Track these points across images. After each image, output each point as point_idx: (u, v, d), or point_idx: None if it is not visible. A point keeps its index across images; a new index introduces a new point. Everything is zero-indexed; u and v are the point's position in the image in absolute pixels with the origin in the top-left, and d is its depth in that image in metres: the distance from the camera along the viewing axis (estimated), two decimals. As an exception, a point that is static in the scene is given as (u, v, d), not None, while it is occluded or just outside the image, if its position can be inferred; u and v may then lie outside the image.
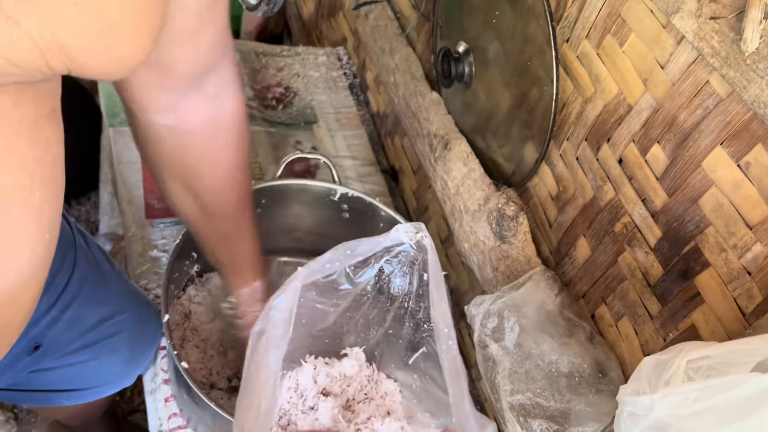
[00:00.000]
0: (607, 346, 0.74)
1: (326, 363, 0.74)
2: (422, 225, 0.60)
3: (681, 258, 0.64)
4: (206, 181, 0.72)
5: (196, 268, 0.95)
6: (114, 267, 0.93)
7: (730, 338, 0.59)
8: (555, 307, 0.76)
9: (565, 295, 0.78)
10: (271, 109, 1.32)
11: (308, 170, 1.24)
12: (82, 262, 0.85)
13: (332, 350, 0.77)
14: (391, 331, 0.76)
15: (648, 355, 0.69)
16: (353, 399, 0.72)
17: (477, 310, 0.76)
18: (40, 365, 0.86)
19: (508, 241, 0.84)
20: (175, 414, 0.92)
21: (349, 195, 0.96)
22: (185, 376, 0.75)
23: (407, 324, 0.74)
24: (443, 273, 0.87)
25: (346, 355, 0.77)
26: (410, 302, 0.72)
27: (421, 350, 0.73)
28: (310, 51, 1.46)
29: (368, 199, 0.95)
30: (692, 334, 0.63)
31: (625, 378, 0.72)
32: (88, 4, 0.38)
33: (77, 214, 1.74)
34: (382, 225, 0.95)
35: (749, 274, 0.57)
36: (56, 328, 0.83)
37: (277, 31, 1.84)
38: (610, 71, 0.71)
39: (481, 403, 1.04)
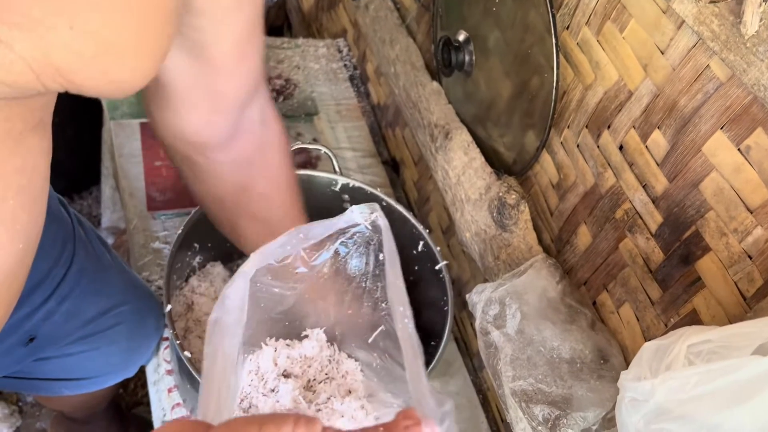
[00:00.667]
0: (609, 333, 0.74)
1: (287, 345, 0.75)
2: (376, 205, 0.60)
3: (682, 243, 0.64)
4: (271, 201, 0.73)
5: (198, 258, 0.95)
6: (114, 258, 0.93)
7: (731, 322, 0.59)
8: (556, 294, 0.76)
9: (566, 283, 0.78)
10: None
11: (309, 161, 1.24)
12: (81, 253, 0.84)
13: (293, 332, 0.77)
14: (350, 311, 0.77)
15: (649, 340, 0.70)
16: (314, 379, 0.72)
17: (478, 297, 0.76)
18: (39, 355, 0.86)
19: (510, 229, 0.84)
20: (178, 404, 0.92)
21: (351, 185, 0.96)
22: (188, 366, 0.75)
23: (366, 304, 0.75)
24: (445, 262, 0.88)
25: (307, 336, 0.77)
26: (368, 282, 0.73)
27: (380, 329, 0.73)
28: (310, 43, 1.46)
29: (369, 189, 0.95)
30: (693, 319, 0.63)
31: (627, 364, 0.72)
32: (84, 27, 0.37)
33: (79, 209, 1.75)
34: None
35: (750, 257, 0.57)
36: (52, 321, 0.82)
37: (277, 23, 1.84)
38: (611, 58, 0.71)
39: (483, 392, 1.04)
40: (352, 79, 1.42)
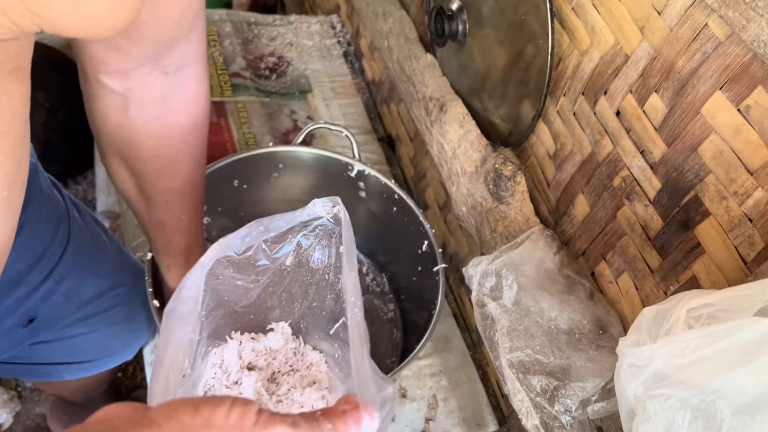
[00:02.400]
0: (608, 303, 0.73)
1: (252, 338, 0.74)
2: (338, 199, 0.59)
3: (681, 209, 0.63)
4: (148, 161, 0.67)
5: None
6: (111, 239, 0.92)
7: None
8: (554, 265, 0.75)
9: (564, 254, 0.77)
10: (264, 79, 1.30)
11: (304, 140, 1.22)
12: (77, 234, 0.83)
13: (258, 326, 0.76)
14: (314, 304, 0.76)
15: (648, 308, 0.69)
16: (279, 372, 0.72)
17: (475, 270, 0.75)
18: (38, 338, 0.85)
19: (506, 201, 0.83)
20: (175, 385, 0.92)
21: (366, 173, 0.93)
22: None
23: (329, 296, 0.74)
24: (443, 266, 0.85)
25: (272, 329, 0.77)
26: (330, 275, 0.73)
27: (341, 320, 0.72)
28: (303, 20, 1.44)
29: (384, 180, 0.92)
30: (693, 286, 0.62)
31: (626, 334, 0.71)
32: None
33: (74, 193, 1.73)
34: (395, 209, 0.93)
35: (750, 221, 0.56)
36: (52, 301, 0.82)
37: (270, 2, 1.81)
38: (606, 21, 0.69)
39: (482, 368, 1.04)
40: (346, 55, 1.40)
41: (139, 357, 1.00)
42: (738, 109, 0.56)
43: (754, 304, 0.47)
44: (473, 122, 0.89)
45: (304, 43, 1.39)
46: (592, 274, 0.77)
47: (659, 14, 0.62)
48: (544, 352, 0.66)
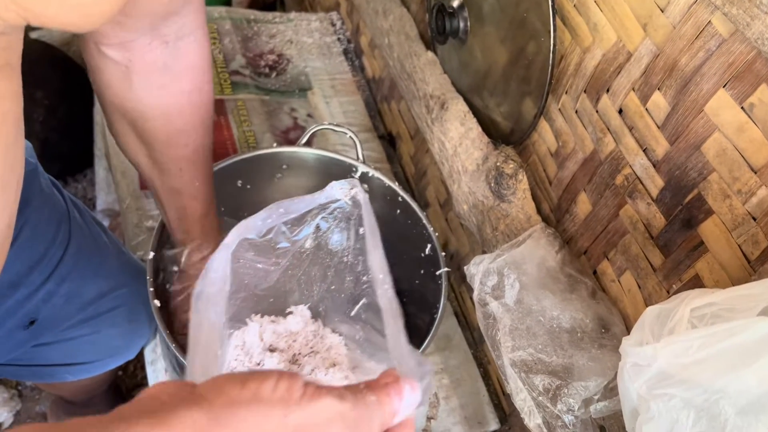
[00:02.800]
0: (610, 301, 0.73)
1: (272, 321, 0.74)
2: (356, 181, 0.60)
3: (684, 207, 0.62)
4: (156, 130, 0.68)
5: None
6: (111, 240, 0.92)
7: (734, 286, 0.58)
8: (556, 264, 0.75)
9: (566, 252, 0.77)
10: (264, 77, 1.29)
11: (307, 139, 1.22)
12: (78, 234, 0.83)
13: (278, 309, 0.77)
14: (333, 287, 0.77)
15: (651, 307, 0.68)
16: (299, 353, 0.72)
17: (476, 269, 0.74)
18: (40, 340, 0.85)
19: (508, 199, 0.83)
20: (176, 383, 0.91)
21: (370, 175, 0.92)
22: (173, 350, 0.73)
23: (348, 278, 0.74)
24: (446, 269, 0.85)
25: (291, 312, 0.76)
26: (349, 257, 0.73)
27: (362, 301, 0.73)
28: (303, 17, 1.43)
29: (387, 182, 0.91)
30: (696, 285, 0.62)
31: (629, 332, 0.71)
32: None
33: (74, 192, 1.73)
34: (398, 211, 0.92)
35: (754, 219, 0.56)
36: (53, 303, 0.81)
37: (269, 0, 1.81)
38: (609, 18, 0.69)
39: (484, 366, 1.04)
40: (346, 52, 1.40)
41: (139, 356, 1.00)
42: (742, 107, 0.55)
43: (758, 303, 0.47)
44: (474, 120, 0.89)
45: (303, 40, 1.39)
46: (594, 272, 0.77)
47: (662, 11, 0.62)
48: (546, 351, 0.66)
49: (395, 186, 0.90)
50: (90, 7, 0.40)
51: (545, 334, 0.67)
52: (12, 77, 0.45)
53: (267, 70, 1.31)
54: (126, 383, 1.41)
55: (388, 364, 0.65)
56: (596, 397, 0.66)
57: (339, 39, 1.42)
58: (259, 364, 0.68)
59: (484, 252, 0.87)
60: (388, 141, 1.29)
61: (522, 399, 0.64)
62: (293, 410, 0.34)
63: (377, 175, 0.92)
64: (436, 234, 0.88)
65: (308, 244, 0.70)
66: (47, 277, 0.79)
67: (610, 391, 0.67)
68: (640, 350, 0.48)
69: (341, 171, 0.93)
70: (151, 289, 0.75)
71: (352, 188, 0.61)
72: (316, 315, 0.77)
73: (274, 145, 0.94)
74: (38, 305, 0.80)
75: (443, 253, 0.86)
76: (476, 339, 1.06)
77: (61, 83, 1.56)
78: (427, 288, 0.88)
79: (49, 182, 0.81)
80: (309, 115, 1.26)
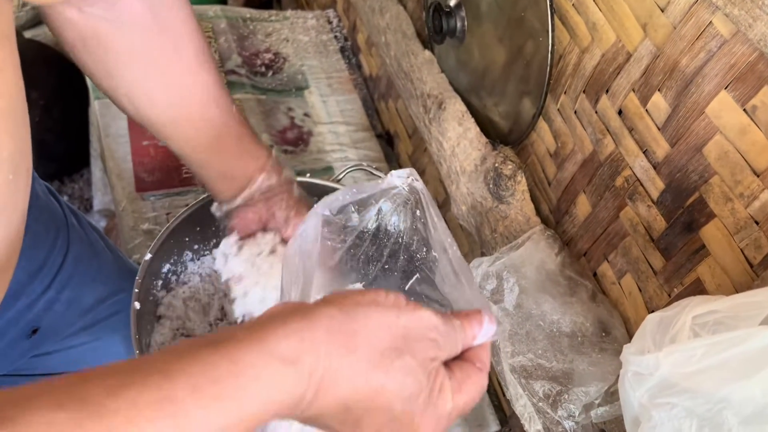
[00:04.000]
0: (610, 304, 0.72)
1: None
2: (413, 170, 0.66)
3: (685, 210, 0.62)
4: (161, 81, 0.66)
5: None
6: (109, 246, 0.91)
7: (737, 291, 0.57)
8: (555, 267, 0.74)
9: (565, 254, 0.76)
10: (260, 76, 1.28)
11: (301, 137, 1.21)
12: (76, 241, 0.82)
13: (338, 287, 0.77)
14: (386, 266, 0.78)
15: (652, 311, 0.67)
16: None
17: (475, 272, 0.74)
18: (41, 349, 0.84)
19: (506, 201, 0.82)
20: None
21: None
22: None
23: (402, 257, 0.78)
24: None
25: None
26: (404, 237, 0.76)
27: (415, 276, 0.75)
28: (299, 15, 1.42)
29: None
30: (698, 289, 0.61)
31: (629, 336, 0.70)
32: None
33: (70, 192, 1.72)
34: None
35: (757, 223, 0.55)
36: (54, 310, 0.81)
37: (265, -3, 1.80)
38: (608, 18, 0.68)
39: (483, 367, 1.03)
40: (342, 50, 1.39)
41: (138, 358, 0.99)
42: (744, 109, 0.54)
43: (760, 311, 0.46)
44: (472, 120, 0.88)
45: (300, 38, 1.38)
46: (594, 275, 0.76)
47: (662, 11, 0.61)
48: (546, 357, 0.65)
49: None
50: None
51: (545, 339, 0.67)
52: (12, 49, 0.44)
53: (263, 69, 1.30)
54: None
55: None
56: (597, 402, 0.66)
57: (336, 37, 1.41)
58: None
59: (482, 253, 0.86)
60: (386, 140, 1.29)
61: (522, 405, 0.64)
62: (404, 312, 0.42)
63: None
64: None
65: (371, 225, 0.74)
66: (48, 284, 0.79)
67: (611, 395, 0.66)
68: (641, 359, 0.48)
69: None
70: (136, 290, 0.75)
71: (408, 177, 0.66)
72: None
73: (308, 175, 0.93)
74: (40, 314, 0.79)
75: None
76: (476, 340, 1.05)
77: (57, 83, 1.55)
78: None
79: (46, 189, 0.81)
80: (306, 114, 1.25)
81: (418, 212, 0.69)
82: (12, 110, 0.45)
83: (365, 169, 0.95)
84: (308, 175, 0.93)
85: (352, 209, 0.70)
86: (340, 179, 0.94)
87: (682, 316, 0.48)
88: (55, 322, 0.82)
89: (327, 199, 0.63)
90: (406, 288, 0.76)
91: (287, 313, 0.40)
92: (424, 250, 0.72)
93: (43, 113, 1.53)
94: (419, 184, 0.65)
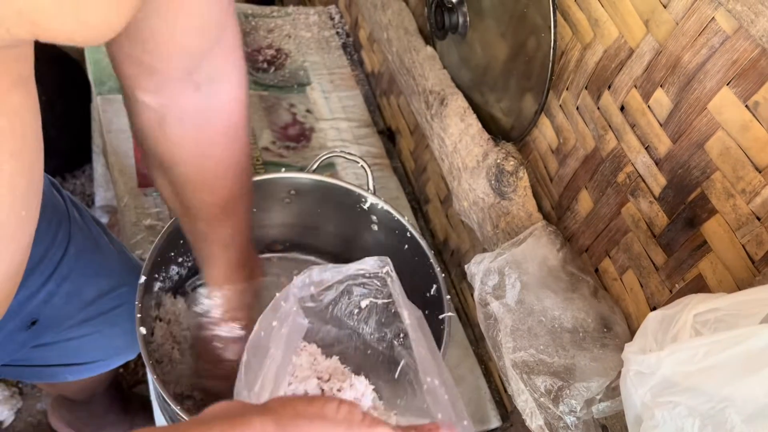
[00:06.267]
0: (612, 300, 0.72)
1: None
2: (387, 259, 0.67)
3: (687, 206, 0.62)
4: (186, 176, 0.66)
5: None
6: (112, 240, 0.91)
7: (738, 287, 0.57)
8: (557, 263, 0.74)
9: (567, 250, 0.76)
10: (262, 72, 1.28)
11: (303, 133, 1.21)
12: (78, 235, 0.82)
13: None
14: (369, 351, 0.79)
15: (654, 307, 0.68)
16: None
17: (477, 268, 0.74)
18: (40, 340, 0.84)
19: (508, 197, 0.82)
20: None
21: (379, 207, 0.89)
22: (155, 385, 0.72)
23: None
24: (449, 314, 0.82)
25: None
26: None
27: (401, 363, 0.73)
28: (301, 11, 1.42)
29: (397, 215, 0.88)
30: (699, 284, 0.61)
31: (631, 332, 0.70)
32: None
33: (72, 188, 1.72)
34: (406, 246, 0.88)
35: (758, 219, 0.55)
36: (53, 303, 0.81)
37: (267, -8, 1.79)
38: (610, 14, 0.67)
39: (485, 363, 1.03)
40: (344, 47, 1.39)
41: (140, 354, 0.99)
42: (746, 105, 0.54)
43: (762, 308, 0.46)
44: (474, 116, 0.88)
45: (302, 34, 1.38)
46: (596, 270, 0.76)
47: (664, 7, 0.61)
48: (548, 352, 0.66)
49: (404, 221, 0.87)
50: (98, 22, 0.39)
51: (547, 335, 0.67)
52: (29, 91, 0.44)
53: (265, 65, 1.30)
54: (127, 380, 1.40)
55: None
56: (598, 398, 0.66)
57: (338, 33, 1.41)
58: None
59: (484, 249, 0.86)
60: (388, 136, 1.29)
61: (524, 400, 0.64)
62: (355, 430, 0.37)
63: (386, 207, 0.89)
64: (443, 275, 0.85)
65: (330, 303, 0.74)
66: (48, 277, 0.79)
67: (613, 391, 0.66)
68: (643, 358, 0.48)
69: (351, 200, 0.90)
70: (139, 315, 0.74)
71: (384, 266, 0.67)
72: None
73: (283, 170, 0.92)
74: (39, 306, 0.80)
75: (448, 296, 0.81)
76: (477, 336, 1.06)
77: (59, 79, 1.55)
78: (431, 331, 0.85)
79: (48, 183, 0.81)
80: (308, 111, 1.25)
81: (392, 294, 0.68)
82: (27, 152, 0.45)
83: (340, 156, 0.94)
84: (283, 169, 0.93)
85: (312, 290, 0.68)
86: (315, 169, 0.93)
87: (683, 315, 0.48)
88: (55, 315, 0.82)
89: (301, 278, 0.63)
90: (396, 376, 0.74)
91: (224, 419, 0.36)
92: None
93: (45, 109, 1.51)
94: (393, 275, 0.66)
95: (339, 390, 0.66)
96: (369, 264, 0.67)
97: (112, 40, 0.57)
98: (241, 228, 0.73)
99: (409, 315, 0.62)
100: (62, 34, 0.38)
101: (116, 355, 0.96)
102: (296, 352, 0.69)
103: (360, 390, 0.66)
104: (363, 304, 0.76)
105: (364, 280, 0.73)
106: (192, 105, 0.61)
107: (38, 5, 0.35)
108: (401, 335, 0.77)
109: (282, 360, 0.58)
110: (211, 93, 0.61)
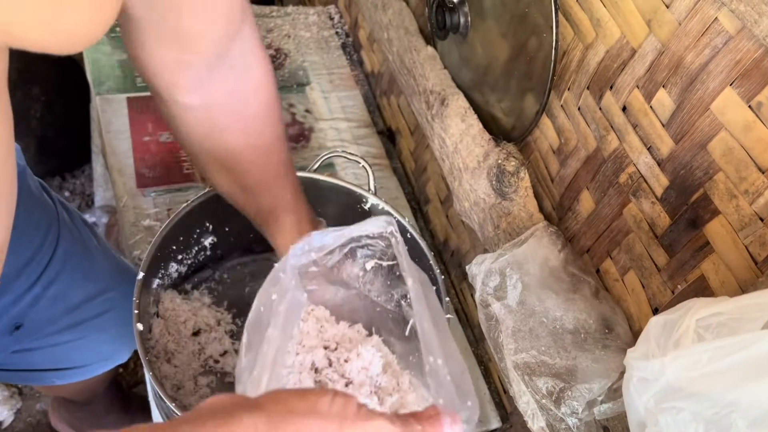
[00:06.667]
0: (613, 301, 0.72)
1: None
2: (392, 219, 0.66)
3: (689, 207, 0.61)
4: (241, 155, 0.68)
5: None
6: (101, 243, 0.90)
7: (741, 288, 0.57)
8: (558, 263, 0.74)
9: (568, 251, 0.76)
10: (262, 72, 1.28)
11: (302, 133, 1.21)
12: (67, 236, 0.82)
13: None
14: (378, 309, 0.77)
15: (656, 308, 0.67)
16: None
17: (478, 269, 0.74)
18: (22, 345, 0.83)
19: (509, 197, 0.82)
20: (175, 384, 0.91)
21: (380, 207, 0.89)
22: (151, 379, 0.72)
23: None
24: (449, 316, 0.82)
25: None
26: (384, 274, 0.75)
27: (411, 321, 0.72)
28: (301, 11, 1.42)
29: (397, 216, 0.89)
30: (701, 285, 0.61)
31: (633, 333, 0.70)
32: None
33: (72, 188, 1.72)
34: (407, 247, 0.89)
35: (761, 220, 0.55)
36: (39, 306, 0.80)
37: (267, -8, 1.79)
38: (612, 14, 0.67)
39: (485, 364, 1.03)
40: (344, 46, 1.38)
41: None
42: (749, 106, 0.54)
43: (765, 313, 0.46)
44: (475, 116, 0.88)
45: (301, 34, 1.37)
46: (598, 271, 0.76)
47: (667, 7, 0.60)
48: (549, 353, 0.65)
49: (405, 222, 0.87)
50: (77, 37, 0.39)
51: (548, 336, 0.66)
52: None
53: (265, 64, 1.29)
54: (126, 380, 1.40)
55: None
56: (600, 399, 0.66)
57: (337, 33, 1.40)
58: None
59: (485, 250, 0.86)
60: (388, 136, 1.28)
61: (525, 402, 0.64)
62: (348, 426, 0.35)
63: (387, 208, 0.89)
64: (443, 277, 0.85)
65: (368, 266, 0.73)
66: (34, 281, 0.78)
67: (614, 392, 0.66)
68: (647, 364, 0.47)
69: (351, 201, 0.90)
70: (136, 311, 0.73)
71: (388, 226, 0.66)
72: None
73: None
74: (24, 310, 0.79)
75: (447, 299, 0.80)
76: (477, 336, 1.05)
77: (59, 79, 1.55)
78: None
79: (38, 185, 0.80)
80: (307, 111, 1.25)
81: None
82: None
83: (341, 156, 0.94)
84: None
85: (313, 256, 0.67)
86: (316, 168, 0.93)
87: (685, 319, 0.47)
88: (39, 318, 0.81)
89: (300, 245, 0.61)
90: (407, 334, 0.73)
91: (213, 417, 0.34)
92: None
93: (44, 109, 1.53)
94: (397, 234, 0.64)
95: (346, 360, 0.65)
96: (372, 225, 0.65)
97: (142, 57, 0.58)
98: (297, 185, 0.75)
99: (413, 282, 0.60)
100: (38, 43, 0.38)
101: (104, 360, 0.95)
102: (303, 318, 0.68)
103: (367, 359, 0.64)
104: (368, 266, 0.74)
105: (368, 242, 0.72)
106: (230, 88, 0.63)
107: (14, 17, 0.34)
108: (408, 296, 0.75)
109: (281, 341, 0.56)
110: (245, 70, 0.64)
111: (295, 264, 0.61)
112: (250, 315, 0.58)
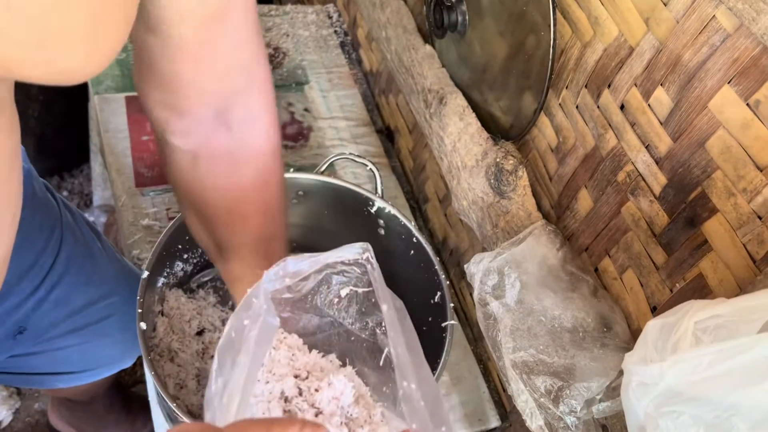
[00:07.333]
0: (612, 300, 0.72)
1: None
2: (368, 245, 0.63)
3: (687, 205, 0.61)
4: (217, 217, 0.65)
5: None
6: (104, 245, 0.89)
7: (739, 286, 0.57)
8: (557, 262, 0.74)
9: (567, 249, 0.76)
10: (260, 71, 1.28)
11: (301, 132, 1.21)
12: (70, 239, 0.81)
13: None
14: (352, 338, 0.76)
15: (654, 307, 0.67)
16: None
17: (476, 267, 0.73)
18: (23, 349, 0.82)
19: (508, 196, 0.81)
20: (173, 383, 0.90)
21: (387, 211, 0.88)
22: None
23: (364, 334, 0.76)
24: (452, 322, 0.81)
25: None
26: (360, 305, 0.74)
27: (385, 350, 0.71)
28: (299, 9, 1.41)
29: (404, 220, 0.87)
30: (700, 284, 0.61)
31: (631, 331, 0.70)
32: (24, 10, 0.32)
33: (71, 187, 1.72)
34: (412, 252, 0.88)
35: (760, 218, 0.55)
36: (41, 310, 0.79)
37: (265, -9, 1.79)
38: (610, 12, 0.67)
39: (484, 362, 1.03)
40: (343, 45, 1.38)
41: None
42: (747, 104, 0.54)
43: (763, 314, 0.45)
44: (473, 115, 0.88)
45: (300, 33, 1.37)
46: (596, 270, 0.76)
47: (665, 5, 0.60)
48: (548, 352, 0.65)
49: (411, 226, 0.87)
50: (77, 72, 0.38)
51: (546, 335, 0.66)
52: (4, 113, 0.43)
53: (263, 63, 1.29)
54: (126, 380, 1.40)
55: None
56: (599, 398, 0.66)
57: (336, 32, 1.40)
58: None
59: (483, 249, 0.86)
60: (386, 135, 1.28)
61: (524, 401, 0.63)
62: None
63: (394, 211, 0.88)
64: (447, 282, 0.84)
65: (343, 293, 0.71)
66: (38, 285, 0.77)
67: (613, 391, 0.66)
68: (646, 369, 0.47)
69: (358, 203, 0.89)
70: (140, 310, 0.73)
71: (364, 252, 0.63)
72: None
73: (291, 170, 0.91)
74: (27, 314, 0.78)
75: (452, 304, 0.80)
76: (476, 335, 1.05)
77: (56, 78, 1.54)
78: (432, 338, 0.83)
79: (43, 186, 0.80)
80: (306, 110, 1.25)
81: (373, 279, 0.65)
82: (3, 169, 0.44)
83: (348, 158, 0.93)
84: (291, 170, 0.92)
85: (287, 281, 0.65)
86: (323, 171, 0.92)
87: (683, 322, 0.47)
88: (41, 321, 0.80)
89: (274, 270, 0.59)
90: (381, 364, 0.72)
91: None
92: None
93: (42, 108, 1.52)
94: (373, 262, 0.62)
95: (317, 390, 0.64)
96: (348, 251, 0.64)
97: (141, 87, 0.57)
98: (280, 242, 0.70)
99: (388, 308, 0.59)
100: (36, 78, 0.37)
101: (107, 364, 0.94)
102: (275, 345, 0.67)
103: (339, 389, 0.63)
104: (343, 293, 0.73)
105: (344, 268, 0.70)
106: (224, 146, 0.60)
107: (9, 54, 0.34)
108: (383, 324, 0.74)
109: (250, 368, 0.55)
110: (243, 133, 0.60)
111: (269, 289, 0.59)
112: (222, 339, 0.57)
